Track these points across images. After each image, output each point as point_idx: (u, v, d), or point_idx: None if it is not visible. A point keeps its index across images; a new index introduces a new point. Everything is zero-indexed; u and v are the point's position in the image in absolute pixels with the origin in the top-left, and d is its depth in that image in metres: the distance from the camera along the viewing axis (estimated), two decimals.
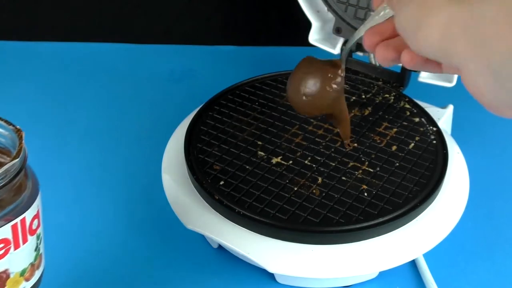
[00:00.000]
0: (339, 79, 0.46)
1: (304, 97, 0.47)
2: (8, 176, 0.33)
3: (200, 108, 0.55)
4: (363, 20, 0.56)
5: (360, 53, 0.60)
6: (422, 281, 0.47)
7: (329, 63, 0.47)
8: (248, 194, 0.46)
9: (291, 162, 0.49)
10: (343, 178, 0.47)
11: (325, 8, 0.61)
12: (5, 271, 0.34)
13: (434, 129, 0.52)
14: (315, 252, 0.43)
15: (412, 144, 0.51)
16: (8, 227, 0.33)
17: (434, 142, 0.51)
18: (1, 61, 0.79)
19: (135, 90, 0.73)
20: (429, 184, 0.46)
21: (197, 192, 0.48)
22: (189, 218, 0.46)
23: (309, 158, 0.49)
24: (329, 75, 0.46)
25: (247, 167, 0.48)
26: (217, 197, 0.46)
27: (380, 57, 0.37)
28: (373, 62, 0.60)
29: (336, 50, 0.60)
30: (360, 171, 0.48)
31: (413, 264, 0.49)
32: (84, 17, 0.81)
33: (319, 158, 0.49)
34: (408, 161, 0.49)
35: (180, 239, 0.51)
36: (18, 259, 0.35)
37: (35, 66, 0.78)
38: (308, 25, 0.62)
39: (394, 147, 0.50)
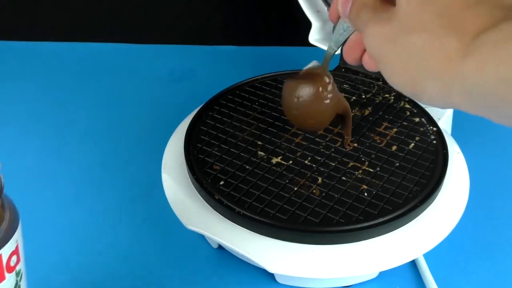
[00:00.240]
0: (329, 88, 0.46)
1: (309, 121, 0.48)
2: None
3: (200, 108, 0.55)
4: None
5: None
6: (422, 281, 0.47)
7: (313, 76, 0.47)
8: (248, 194, 0.46)
9: (291, 162, 0.49)
10: (343, 178, 0.47)
11: (325, 8, 0.61)
12: None
13: (434, 129, 0.52)
14: (315, 252, 0.43)
15: (412, 144, 0.51)
16: None
17: (434, 142, 0.51)
18: (1, 61, 0.79)
19: (135, 90, 0.73)
20: (429, 184, 0.46)
21: (197, 192, 0.48)
22: (189, 218, 0.46)
23: (309, 158, 0.49)
24: (319, 89, 0.46)
25: (247, 167, 0.48)
26: (217, 197, 0.46)
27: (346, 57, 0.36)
28: None
29: (336, 50, 0.60)
30: (360, 171, 0.48)
31: (413, 264, 0.49)
32: (84, 17, 0.81)
33: (319, 158, 0.49)
34: (408, 161, 0.49)
35: (180, 239, 0.51)
36: None
37: (35, 66, 0.78)
38: (308, 25, 0.62)
39: (394, 147, 0.50)
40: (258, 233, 0.44)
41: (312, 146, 0.51)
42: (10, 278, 0.32)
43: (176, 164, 0.51)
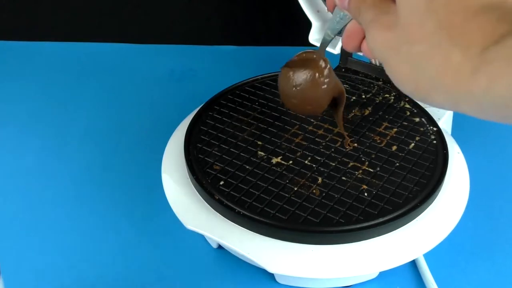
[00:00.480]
0: (326, 72, 0.46)
1: (308, 107, 0.47)
2: None
3: (200, 108, 0.55)
4: None
5: (360, 53, 0.60)
6: (422, 281, 0.47)
7: (309, 62, 0.47)
8: (248, 194, 0.46)
9: (291, 162, 0.49)
10: (343, 178, 0.47)
11: (325, 8, 0.61)
12: None
13: (434, 129, 0.52)
14: (315, 252, 0.43)
15: (412, 144, 0.51)
16: None
17: (434, 142, 0.51)
18: (1, 61, 0.79)
19: (135, 90, 0.73)
20: (429, 184, 0.46)
21: (197, 192, 0.48)
22: (189, 218, 0.46)
23: (309, 158, 0.49)
24: (316, 75, 0.46)
25: (247, 167, 0.48)
26: (217, 197, 0.46)
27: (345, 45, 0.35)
28: (373, 62, 0.60)
29: (337, 50, 0.60)
30: (360, 171, 0.48)
31: (413, 264, 0.49)
32: (84, 17, 0.81)
33: (319, 158, 0.49)
34: (408, 161, 0.49)
35: (180, 239, 0.51)
36: None
37: (35, 66, 0.78)
38: (308, 25, 0.62)
39: (394, 147, 0.50)
40: (258, 233, 0.44)
41: (312, 146, 0.51)
42: None
43: (176, 164, 0.51)
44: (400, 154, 0.50)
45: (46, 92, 0.73)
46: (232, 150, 0.50)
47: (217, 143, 0.51)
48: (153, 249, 0.51)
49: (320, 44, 0.45)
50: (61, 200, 0.56)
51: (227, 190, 0.46)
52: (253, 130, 0.53)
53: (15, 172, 0.60)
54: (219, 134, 0.52)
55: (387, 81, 0.59)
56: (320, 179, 0.47)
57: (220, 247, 0.50)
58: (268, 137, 0.52)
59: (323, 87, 0.46)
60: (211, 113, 0.55)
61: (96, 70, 0.77)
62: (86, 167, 0.60)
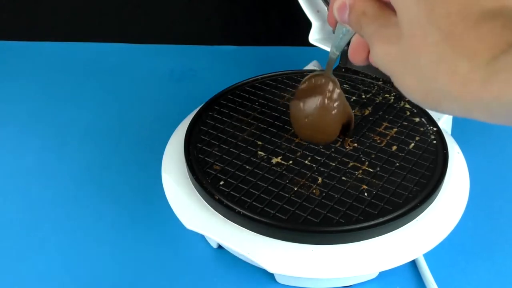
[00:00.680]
0: (335, 96, 0.47)
1: (321, 136, 0.49)
2: None
3: (200, 108, 0.55)
4: None
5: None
6: (422, 281, 0.47)
7: (318, 89, 0.47)
8: (248, 194, 0.46)
9: (291, 162, 0.49)
10: (343, 178, 0.47)
11: (325, 8, 0.61)
12: None
13: (434, 129, 0.52)
14: (315, 252, 0.43)
15: (412, 144, 0.51)
16: None
17: (434, 142, 0.51)
18: (1, 61, 0.79)
19: (135, 90, 0.73)
20: (429, 184, 0.46)
21: (197, 192, 0.48)
22: (189, 218, 0.46)
23: (309, 158, 0.49)
24: (326, 102, 0.47)
25: (247, 167, 0.48)
26: (217, 197, 0.46)
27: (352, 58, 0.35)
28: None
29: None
30: (360, 171, 0.48)
31: (413, 264, 0.49)
32: (84, 17, 0.81)
33: (319, 158, 0.49)
34: (408, 161, 0.49)
35: (180, 239, 0.51)
36: None
37: (35, 66, 0.78)
38: (308, 25, 0.62)
39: (394, 147, 0.50)
40: (258, 233, 0.44)
41: (312, 146, 0.51)
42: None
43: (176, 164, 0.51)
44: (400, 154, 0.50)
45: (46, 92, 0.73)
46: (232, 150, 0.50)
47: (217, 143, 0.51)
48: (153, 249, 0.51)
49: (327, 64, 0.46)
50: (61, 200, 0.56)
51: (227, 190, 0.46)
52: (253, 130, 0.53)
53: (15, 172, 0.60)
54: (219, 134, 0.52)
55: (387, 81, 0.59)
56: (320, 179, 0.47)
57: (220, 247, 0.50)
58: (268, 137, 0.52)
59: (333, 112, 0.48)
60: (211, 113, 0.55)
61: (96, 70, 0.77)
62: (86, 167, 0.60)
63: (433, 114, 0.54)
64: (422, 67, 0.26)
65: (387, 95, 0.57)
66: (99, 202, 0.56)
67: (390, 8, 0.28)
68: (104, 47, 0.81)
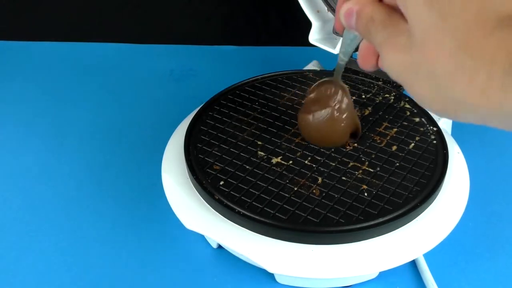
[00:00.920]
0: (344, 107, 0.48)
1: (332, 143, 0.50)
2: None
3: (200, 108, 0.55)
4: None
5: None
6: (422, 281, 0.47)
7: (326, 98, 0.48)
8: (248, 194, 0.46)
9: (291, 162, 0.49)
10: (343, 178, 0.47)
11: (325, 8, 0.61)
12: None
13: (435, 129, 0.52)
14: (315, 252, 0.43)
15: (412, 144, 0.51)
16: None
17: (435, 142, 0.51)
18: (1, 61, 0.79)
19: (135, 90, 0.73)
20: (429, 184, 0.46)
21: (197, 192, 0.48)
22: (189, 218, 0.46)
23: (309, 158, 0.49)
24: (334, 113, 0.48)
25: (247, 167, 0.48)
26: (217, 197, 0.46)
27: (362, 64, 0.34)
28: None
29: (336, 50, 0.60)
30: (360, 171, 0.48)
31: (413, 264, 0.49)
32: (84, 17, 0.81)
33: (319, 158, 0.49)
34: (408, 161, 0.49)
35: (180, 239, 0.51)
36: None
37: (35, 66, 0.78)
38: (308, 25, 0.62)
39: (394, 147, 0.50)
40: (258, 233, 0.44)
41: (312, 146, 0.51)
42: None
43: (176, 164, 0.51)
44: (400, 154, 0.50)
45: (46, 92, 0.73)
46: (232, 150, 0.50)
47: (217, 143, 0.51)
48: (153, 249, 0.51)
49: (335, 70, 0.45)
50: (61, 200, 0.56)
51: (227, 190, 0.46)
52: (253, 130, 0.53)
53: (15, 172, 0.60)
54: (219, 134, 0.52)
55: (387, 81, 0.59)
56: (320, 179, 0.47)
57: (220, 247, 0.50)
58: (268, 137, 0.52)
59: (342, 124, 0.48)
60: (211, 113, 0.55)
61: (96, 70, 0.77)
62: (86, 167, 0.60)
63: (433, 114, 0.54)
64: (438, 77, 0.25)
65: (387, 95, 0.57)
66: (99, 202, 0.56)
67: (399, 13, 0.28)
68: (104, 47, 0.81)
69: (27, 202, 0.56)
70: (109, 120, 0.67)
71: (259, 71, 0.61)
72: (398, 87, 0.58)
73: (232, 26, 0.82)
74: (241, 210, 0.44)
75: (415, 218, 0.45)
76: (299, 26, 0.64)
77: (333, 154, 0.50)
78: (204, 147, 0.50)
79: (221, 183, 0.47)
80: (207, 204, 0.46)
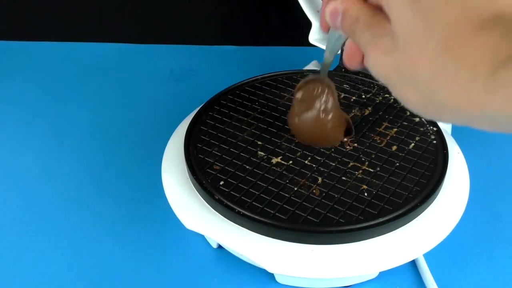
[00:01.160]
0: (330, 106, 0.48)
1: (326, 143, 0.50)
2: None
3: (200, 108, 0.55)
4: None
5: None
6: (422, 281, 0.47)
7: (313, 99, 0.48)
8: (248, 194, 0.46)
9: (291, 162, 0.49)
10: (343, 178, 0.47)
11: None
12: None
13: (434, 129, 0.52)
14: (315, 252, 0.43)
15: (412, 144, 0.51)
16: None
17: (435, 142, 0.51)
18: (1, 61, 0.79)
19: (135, 90, 0.73)
20: (429, 184, 0.46)
21: (197, 192, 0.48)
22: (189, 218, 0.46)
23: (309, 158, 0.49)
24: (321, 115, 0.48)
25: (247, 167, 0.48)
26: (217, 197, 0.46)
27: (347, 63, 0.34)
28: None
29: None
30: (360, 171, 0.48)
31: (413, 264, 0.49)
32: (84, 17, 0.81)
33: (319, 158, 0.49)
34: (408, 161, 0.49)
35: (180, 239, 0.51)
36: None
37: (35, 66, 0.78)
38: (308, 25, 0.62)
39: (394, 147, 0.50)
40: (258, 233, 0.44)
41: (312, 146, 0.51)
42: None
43: (176, 164, 0.51)
44: (400, 154, 0.50)
45: (46, 92, 0.73)
46: (232, 150, 0.50)
47: (217, 143, 0.51)
48: (153, 249, 0.51)
49: (321, 68, 0.45)
50: (61, 200, 0.56)
51: (227, 190, 0.46)
52: (253, 130, 0.53)
53: (15, 172, 0.60)
54: (219, 134, 0.52)
55: None
56: (320, 179, 0.47)
57: (220, 247, 0.50)
58: (268, 137, 0.52)
59: (328, 126, 0.48)
60: (211, 113, 0.55)
61: (96, 70, 0.77)
62: (86, 167, 0.60)
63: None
64: (421, 80, 0.25)
65: (387, 95, 0.57)
66: (99, 202, 0.56)
67: (384, 14, 0.27)
68: (104, 47, 0.81)
69: (27, 202, 0.56)
70: (109, 120, 0.67)
71: (259, 71, 0.61)
72: None
73: (232, 26, 0.82)
74: (241, 210, 0.44)
75: (415, 218, 0.45)
76: (299, 26, 0.64)
77: (333, 154, 0.50)
78: (204, 147, 0.50)
79: (221, 183, 0.47)
80: (207, 204, 0.46)
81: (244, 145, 0.51)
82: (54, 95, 0.72)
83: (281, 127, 0.53)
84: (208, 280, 0.48)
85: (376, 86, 0.58)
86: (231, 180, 0.47)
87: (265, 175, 0.47)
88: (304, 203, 0.45)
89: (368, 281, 0.47)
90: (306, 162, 0.49)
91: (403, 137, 0.51)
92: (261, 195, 0.46)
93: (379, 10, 0.28)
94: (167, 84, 0.74)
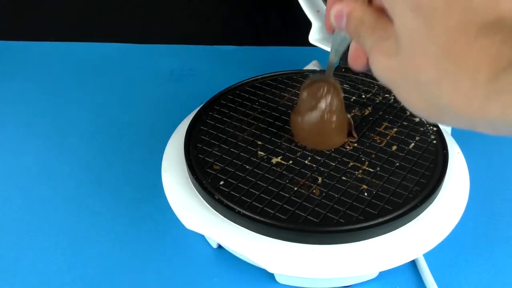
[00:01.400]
0: (335, 107, 0.48)
1: (328, 145, 0.50)
2: None
3: (200, 108, 0.55)
4: None
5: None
6: (422, 281, 0.47)
7: (319, 98, 0.48)
8: (248, 194, 0.46)
9: (291, 162, 0.49)
10: (343, 178, 0.47)
11: (325, 8, 0.61)
12: None
13: (434, 129, 0.52)
14: (315, 252, 0.43)
15: (412, 144, 0.51)
16: None
17: (434, 142, 0.51)
18: (1, 61, 0.79)
19: (135, 90, 0.73)
20: (429, 184, 0.46)
21: (197, 192, 0.48)
22: (189, 218, 0.46)
23: (309, 158, 0.49)
24: (325, 116, 0.48)
25: (247, 167, 0.48)
26: (217, 197, 0.46)
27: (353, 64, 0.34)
28: None
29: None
30: (360, 171, 0.48)
31: (413, 264, 0.49)
32: (84, 17, 0.81)
33: (319, 158, 0.49)
34: (408, 161, 0.49)
35: (180, 239, 0.51)
36: None
37: (35, 66, 0.78)
38: (308, 25, 0.62)
39: (394, 147, 0.50)
40: (258, 233, 0.44)
41: None
42: None
43: (176, 164, 0.51)
44: (400, 154, 0.50)
45: (46, 92, 0.73)
46: (232, 150, 0.50)
47: (217, 143, 0.51)
48: (153, 249, 0.51)
49: (326, 68, 0.45)
50: (61, 200, 0.56)
51: (227, 190, 0.46)
52: (253, 130, 0.53)
53: (15, 172, 0.60)
54: (219, 134, 0.52)
55: None
56: (320, 179, 0.47)
57: (220, 247, 0.50)
58: (268, 137, 0.52)
59: (333, 126, 0.48)
60: (211, 113, 0.55)
61: (96, 70, 0.77)
62: (86, 167, 0.60)
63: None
64: (423, 84, 0.25)
65: (387, 95, 0.57)
66: (99, 201, 0.56)
67: (388, 16, 0.27)
68: (104, 47, 0.81)
69: (27, 202, 0.56)
70: (109, 120, 0.67)
71: (259, 71, 0.61)
72: None
73: (232, 26, 0.82)
74: (241, 210, 0.44)
75: (415, 218, 0.45)
76: (299, 26, 0.64)
77: (333, 154, 0.50)
78: (204, 147, 0.50)
79: (221, 183, 0.47)
80: (207, 204, 0.46)
81: (244, 145, 0.51)
82: (54, 95, 0.72)
83: (281, 127, 0.53)
84: (208, 280, 0.48)
85: (376, 86, 0.58)
86: (231, 180, 0.47)
87: (265, 175, 0.47)
88: (304, 203, 0.45)
89: (368, 281, 0.47)
90: (306, 162, 0.49)
91: (403, 137, 0.51)
92: (261, 195, 0.46)
93: (383, 12, 0.28)
94: (167, 84, 0.74)
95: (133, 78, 0.75)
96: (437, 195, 0.47)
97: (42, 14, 0.81)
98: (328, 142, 0.50)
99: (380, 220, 0.43)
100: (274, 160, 0.49)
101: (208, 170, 0.48)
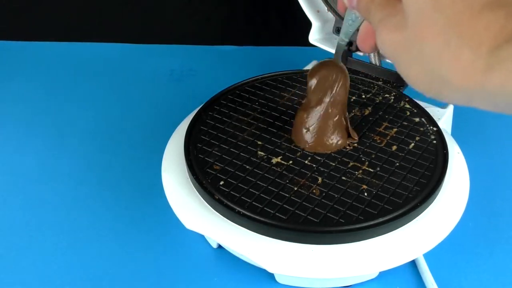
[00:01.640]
0: (341, 93, 0.48)
1: (332, 145, 0.50)
2: None
3: (200, 108, 0.55)
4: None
5: (360, 53, 0.60)
6: (422, 281, 0.47)
7: (326, 88, 0.48)
8: (248, 194, 0.46)
9: (291, 162, 0.49)
10: (343, 178, 0.47)
11: (325, 8, 0.61)
12: None
13: (434, 129, 0.52)
14: (315, 252, 0.43)
15: (412, 144, 0.51)
16: None
17: (434, 142, 0.51)
18: (1, 61, 0.79)
19: (135, 90, 0.73)
20: (429, 184, 0.46)
21: (197, 192, 0.48)
22: (189, 218, 0.46)
23: (309, 158, 0.49)
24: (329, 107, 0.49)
25: (247, 167, 0.48)
26: (217, 197, 0.46)
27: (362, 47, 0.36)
28: (373, 62, 0.61)
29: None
30: (360, 171, 0.48)
31: (413, 264, 0.49)
32: (84, 17, 0.81)
33: (319, 158, 0.49)
34: (408, 161, 0.49)
35: (180, 239, 0.51)
36: None
37: (35, 66, 0.78)
38: (308, 25, 0.62)
39: (394, 147, 0.50)
40: (258, 233, 0.44)
41: None
42: None
43: (176, 164, 0.51)
44: (400, 154, 0.50)
45: (46, 92, 0.73)
46: (232, 150, 0.50)
47: (217, 143, 0.51)
48: (153, 249, 0.51)
49: (336, 50, 0.46)
50: (61, 200, 0.56)
51: (227, 190, 0.46)
52: (253, 130, 0.53)
53: (15, 172, 0.60)
54: (219, 134, 0.52)
55: (387, 81, 0.59)
56: (320, 179, 0.47)
57: (220, 247, 0.50)
58: (268, 137, 0.52)
59: (335, 119, 0.49)
60: (211, 113, 0.55)
61: (96, 70, 0.77)
62: (86, 167, 0.60)
63: (433, 114, 0.54)
64: (426, 55, 0.26)
65: (387, 95, 0.57)
66: (99, 202, 0.56)
67: None
68: (104, 47, 0.81)
69: (27, 202, 0.56)
70: (109, 120, 0.67)
71: (259, 71, 0.61)
72: (398, 87, 0.58)
73: (232, 26, 0.82)
74: (241, 210, 0.44)
75: (415, 218, 0.45)
76: (299, 26, 0.64)
77: (333, 154, 0.50)
78: (204, 147, 0.50)
79: (221, 183, 0.47)
80: (207, 204, 0.46)
81: (244, 145, 0.51)
82: (54, 95, 0.72)
83: (281, 127, 0.53)
84: (208, 280, 0.48)
85: (376, 86, 0.58)
86: (231, 180, 0.47)
87: (265, 175, 0.47)
88: (304, 203, 0.45)
89: (368, 281, 0.47)
90: (306, 162, 0.49)
91: (403, 137, 0.51)
92: (261, 195, 0.46)
93: None
94: (167, 84, 0.74)
95: (133, 78, 0.75)
96: (437, 195, 0.47)
97: (42, 14, 0.81)
98: (328, 144, 0.50)
99: (380, 220, 0.43)
100: (274, 160, 0.49)
101: (208, 170, 0.48)
